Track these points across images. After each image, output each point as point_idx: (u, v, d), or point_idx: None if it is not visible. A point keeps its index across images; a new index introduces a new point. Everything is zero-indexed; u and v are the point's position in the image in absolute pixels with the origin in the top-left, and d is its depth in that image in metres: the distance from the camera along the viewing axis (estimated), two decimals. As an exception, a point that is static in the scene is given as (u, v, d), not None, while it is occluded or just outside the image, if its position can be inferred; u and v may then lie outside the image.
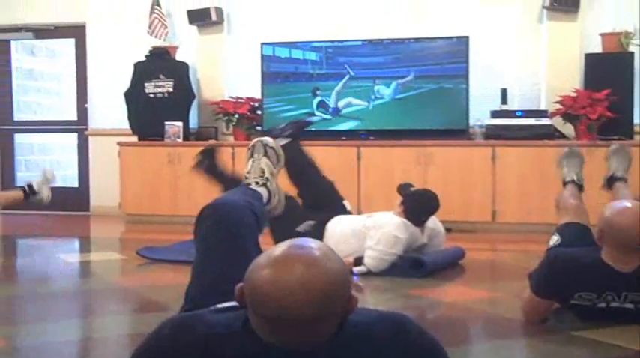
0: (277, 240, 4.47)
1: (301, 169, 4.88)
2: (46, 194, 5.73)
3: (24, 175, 8.86)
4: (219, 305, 1.82)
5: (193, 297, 2.45)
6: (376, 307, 2.95)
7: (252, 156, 2.98)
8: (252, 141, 3.03)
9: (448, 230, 5.04)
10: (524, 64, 7.18)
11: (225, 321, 1.64)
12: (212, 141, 4.91)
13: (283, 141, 4.83)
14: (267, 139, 3.04)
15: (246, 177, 2.94)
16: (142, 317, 3.68)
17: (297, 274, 1.48)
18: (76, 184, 8.51)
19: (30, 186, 5.70)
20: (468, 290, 4.20)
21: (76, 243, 6.54)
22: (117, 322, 3.63)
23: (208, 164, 4.92)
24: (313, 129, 6.99)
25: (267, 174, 2.92)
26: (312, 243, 1.58)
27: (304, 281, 1.48)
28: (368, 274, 4.36)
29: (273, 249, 1.57)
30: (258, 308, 1.51)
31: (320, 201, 4.84)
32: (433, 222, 4.74)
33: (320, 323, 1.51)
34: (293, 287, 1.47)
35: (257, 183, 2.90)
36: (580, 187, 4.28)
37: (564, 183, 4.34)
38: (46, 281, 4.75)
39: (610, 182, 4.35)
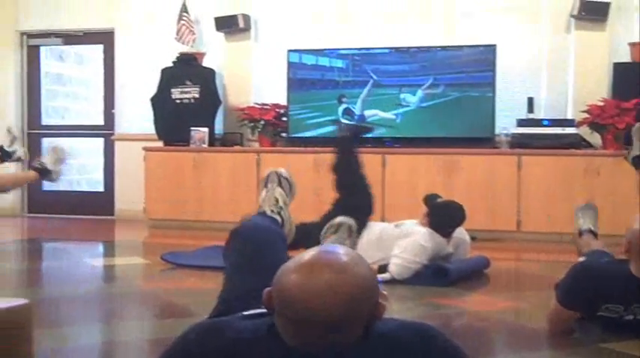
0: None
1: (355, 169, 4.86)
2: (58, 174, 5.62)
3: (51, 179, 8.93)
4: (246, 312, 1.82)
5: (227, 299, 2.51)
6: (400, 315, 2.94)
7: (266, 185, 3.14)
8: (267, 172, 3.19)
9: (473, 238, 5.01)
10: (552, 73, 7.13)
11: (252, 327, 1.64)
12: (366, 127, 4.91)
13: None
14: (281, 170, 3.20)
15: (261, 206, 3.08)
16: (165, 322, 3.68)
17: (324, 277, 1.48)
18: (101, 188, 8.56)
19: (42, 164, 5.62)
20: (492, 300, 4.17)
21: (101, 247, 6.57)
22: (140, 326, 3.64)
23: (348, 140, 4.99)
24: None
25: (280, 203, 3.06)
26: (340, 248, 1.58)
27: (331, 284, 1.47)
28: (392, 282, 4.34)
29: (302, 255, 1.57)
30: (285, 311, 1.51)
31: (356, 207, 4.77)
32: (459, 231, 4.71)
33: (346, 328, 1.50)
34: (320, 289, 1.47)
35: (272, 210, 3.04)
36: (595, 235, 4.40)
37: (580, 233, 4.45)
38: (70, 285, 4.77)
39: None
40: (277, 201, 3.07)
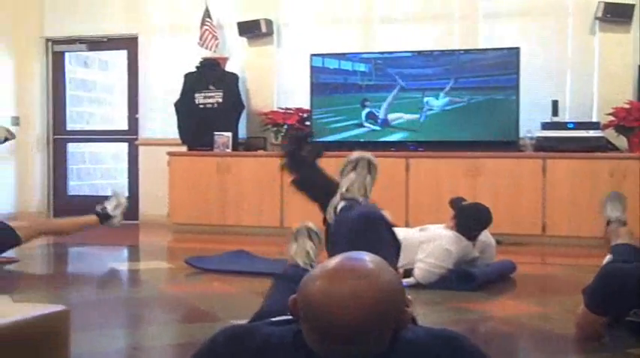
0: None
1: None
2: (118, 219, 5.80)
3: (75, 184, 9.02)
4: (273, 318, 1.82)
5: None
6: (425, 320, 2.93)
7: (296, 239, 3.27)
8: (296, 226, 3.32)
9: (498, 242, 4.98)
10: (576, 75, 7.08)
11: (278, 333, 1.64)
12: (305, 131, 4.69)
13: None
14: (310, 224, 3.31)
15: (292, 258, 3.21)
16: (190, 326, 3.69)
17: (349, 285, 1.47)
18: (125, 193, 8.59)
19: (104, 210, 5.77)
20: (518, 305, 4.14)
21: (125, 252, 6.60)
22: (164, 331, 3.65)
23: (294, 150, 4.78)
24: (362, 140, 7.00)
25: (312, 256, 3.20)
26: (365, 255, 1.57)
27: (356, 290, 1.46)
28: (417, 287, 4.32)
29: (327, 262, 1.56)
30: (310, 319, 1.50)
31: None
32: (485, 235, 4.69)
33: (371, 336, 1.49)
34: (344, 298, 1.46)
35: (304, 263, 3.17)
36: (624, 223, 4.39)
37: (608, 222, 4.44)
38: (95, 289, 4.81)
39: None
40: (309, 253, 3.19)
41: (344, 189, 3.17)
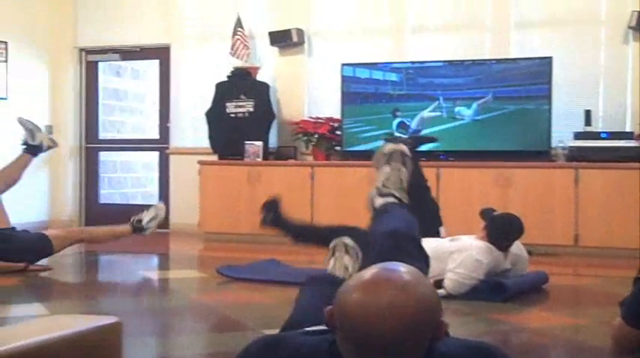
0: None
1: (415, 184, 4.80)
2: (151, 231, 5.86)
3: (106, 192, 9.08)
4: (308, 328, 1.82)
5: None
6: (457, 331, 2.90)
7: (333, 254, 3.25)
8: (334, 242, 3.30)
9: (529, 253, 4.93)
10: (610, 85, 7.02)
11: (312, 342, 1.64)
12: (271, 197, 4.97)
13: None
14: (347, 240, 3.28)
15: (332, 272, 3.21)
16: (220, 336, 3.69)
17: (387, 298, 1.46)
18: (156, 202, 8.61)
19: (139, 222, 5.83)
20: (551, 316, 4.10)
21: (156, 260, 6.63)
22: (195, 340, 3.65)
23: (273, 217, 4.93)
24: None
25: (350, 271, 3.16)
26: (401, 266, 1.56)
27: (394, 305, 1.46)
28: (448, 297, 4.29)
29: (363, 273, 1.55)
30: (348, 332, 1.49)
31: (423, 218, 4.74)
32: (517, 247, 4.64)
33: (407, 347, 1.48)
34: (382, 309, 1.45)
35: (343, 277, 3.12)
36: None
37: None
38: (126, 298, 4.83)
39: None
40: (347, 268, 3.18)
41: (380, 184, 3.16)
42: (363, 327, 1.46)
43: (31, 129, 5.65)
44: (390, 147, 3.25)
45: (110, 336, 1.92)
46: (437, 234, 4.82)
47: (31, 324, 1.95)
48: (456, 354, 1.59)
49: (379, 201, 3.15)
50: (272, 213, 4.91)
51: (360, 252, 3.27)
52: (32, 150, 5.65)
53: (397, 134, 7.11)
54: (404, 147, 3.23)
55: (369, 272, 1.54)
